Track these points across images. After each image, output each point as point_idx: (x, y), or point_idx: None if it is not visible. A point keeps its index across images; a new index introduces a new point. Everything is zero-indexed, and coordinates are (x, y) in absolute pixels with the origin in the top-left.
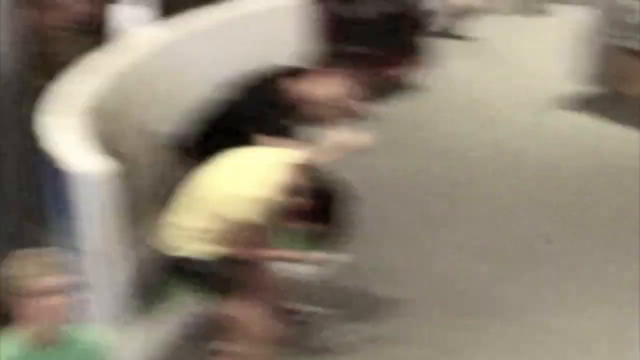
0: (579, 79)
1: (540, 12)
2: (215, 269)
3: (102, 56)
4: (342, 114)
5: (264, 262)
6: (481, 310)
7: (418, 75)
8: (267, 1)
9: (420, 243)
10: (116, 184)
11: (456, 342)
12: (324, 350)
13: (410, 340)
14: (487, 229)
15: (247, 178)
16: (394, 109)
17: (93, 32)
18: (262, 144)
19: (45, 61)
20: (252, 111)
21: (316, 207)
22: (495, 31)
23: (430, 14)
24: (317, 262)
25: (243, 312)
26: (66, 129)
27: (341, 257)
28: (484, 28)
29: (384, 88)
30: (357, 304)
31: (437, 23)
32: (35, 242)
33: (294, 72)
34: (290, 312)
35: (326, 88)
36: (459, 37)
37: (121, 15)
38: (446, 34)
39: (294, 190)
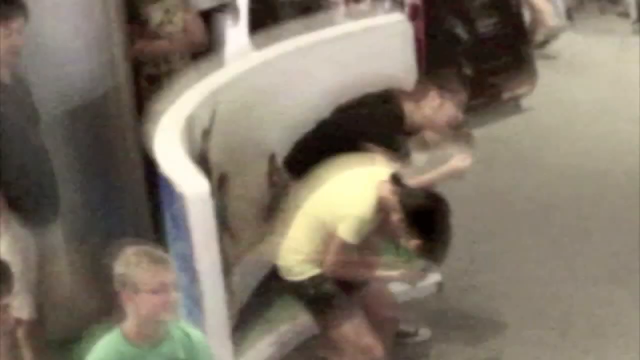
0: None
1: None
2: (326, 291)
3: (216, 75)
4: (450, 139)
5: (367, 282)
6: (581, 331)
7: (527, 93)
8: (375, 19)
9: (518, 262)
10: (221, 205)
11: None
12: None
13: None
14: (587, 248)
15: (350, 197)
16: (503, 126)
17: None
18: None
19: (155, 82)
20: (369, 131)
21: (414, 222)
22: (604, 52)
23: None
24: (415, 279)
25: (348, 332)
26: (180, 151)
27: (436, 276)
28: (595, 48)
29: (500, 108)
30: (455, 324)
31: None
32: None
33: (410, 94)
34: (394, 332)
35: (444, 112)
36: (553, 56)
37: (237, 37)
38: (542, 52)
39: (390, 206)
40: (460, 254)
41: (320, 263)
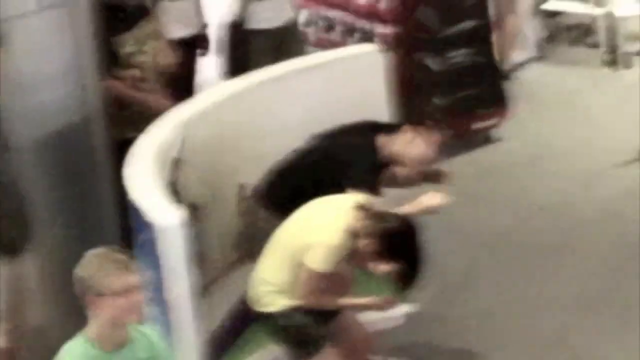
0: None
1: (627, 65)
2: (297, 321)
3: (187, 107)
4: (426, 176)
5: (344, 312)
6: None
7: (497, 124)
8: (345, 49)
9: (489, 293)
10: (198, 236)
11: None
12: None
13: None
14: (558, 278)
15: (318, 225)
16: (473, 158)
17: (180, 83)
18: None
19: (132, 114)
20: (344, 164)
21: (384, 247)
22: (575, 83)
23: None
24: (386, 306)
25: None
26: (150, 180)
27: (405, 307)
28: (566, 79)
29: (470, 139)
30: (424, 355)
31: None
32: None
33: (387, 128)
34: None
35: (416, 149)
36: (523, 86)
37: (207, 67)
38: (512, 82)
39: (363, 234)
40: (430, 285)
41: (293, 295)
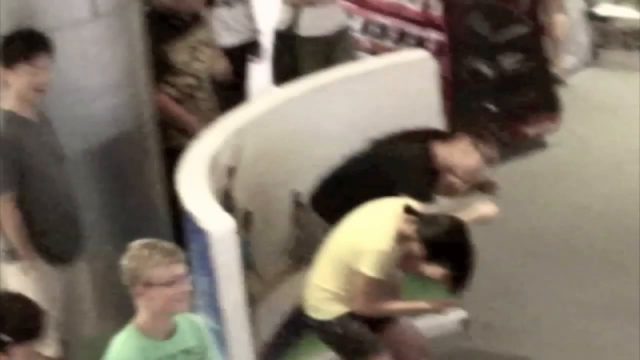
0: None
1: None
2: (351, 328)
3: (240, 114)
4: (477, 186)
5: (398, 319)
6: None
7: (551, 130)
8: (397, 56)
9: (542, 299)
10: (251, 244)
11: None
12: None
13: None
14: (612, 285)
15: (368, 230)
16: (527, 163)
17: (233, 90)
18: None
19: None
20: (397, 171)
21: (435, 249)
22: (626, 89)
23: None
24: (444, 308)
25: None
26: (203, 187)
27: (460, 313)
28: (618, 85)
29: (522, 145)
30: None
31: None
32: None
33: (443, 136)
34: None
35: (468, 160)
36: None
37: (260, 74)
38: (567, 88)
39: (409, 236)
40: (484, 291)
41: (347, 302)
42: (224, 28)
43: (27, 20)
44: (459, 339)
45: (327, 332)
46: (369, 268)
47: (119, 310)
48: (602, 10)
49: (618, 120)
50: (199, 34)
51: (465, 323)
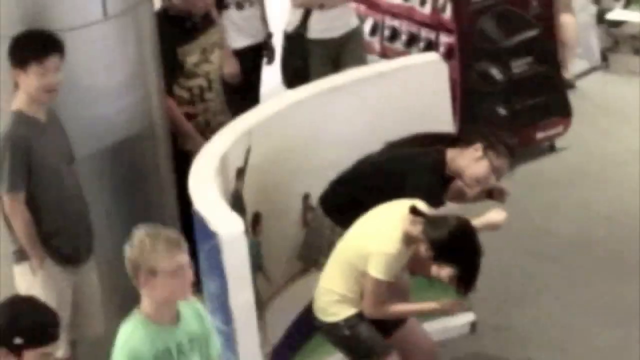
0: None
1: None
2: (361, 331)
3: (252, 116)
4: (488, 193)
5: (408, 321)
6: None
7: (561, 133)
8: (408, 59)
9: (552, 303)
10: (255, 244)
11: None
12: None
13: None
14: (621, 289)
15: (376, 233)
16: (537, 167)
17: (244, 92)
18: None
19: (196, 125)
20: (409, 175)
21: (442, 250)
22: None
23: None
24: (454, 309)
25: None
26: (214, 189)
27: (469, 315)
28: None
29: (533, 149)
30: None
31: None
32: None
33: (458, 142)
34: None
35: (478, 169)
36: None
37: (272, 76)
38: (577, 92)
39: (416, 238)
40: (493, 294)
41: (356, 304)
42: (235, 30)
43: (39, 21)
44: (467, 341)
45: (335, 334)
46: (377, 271)
47: (127, 310)
48: (613, 14)
49: (627, 124)
50: (211, 36)
51: (473, 326)
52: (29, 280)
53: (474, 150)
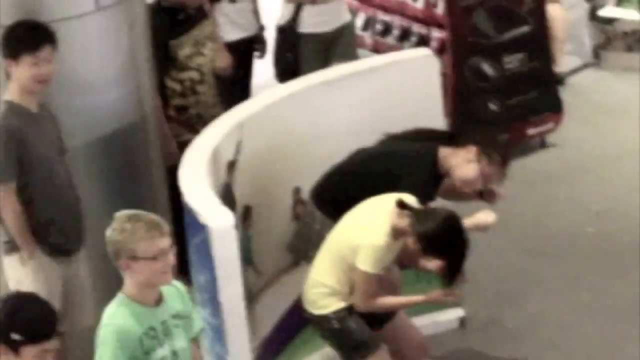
0: None
1: None
2: (350, 324)
3: (243, 109)
4: (480, 194)
5: (397, 315)
6: None
7: (552, 130)
8: (400, 54)
9: (542, 298)
10: (245, 237)
11: None
12: None
13: None
14: (612, 285)
15: (365, 226)
16: (528, 163)
17: (236, 85)
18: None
19: (189, 117)
20: (401, 170)
21: (429, 242)
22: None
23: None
24: (446, 299)
25: None
26: (205, 182)
27: (458, 311)
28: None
29: (525, 145)
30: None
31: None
32: None
33: (454, 141)
34: None
35: (467, 171)
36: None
37: (264, 69)
38: (568, 88)
39: (403, 231)
40: (484, 290)
41: (346, 297)
42: (228, 23)
43: (31, 12)
44: (457, 337)
45: (325, 327)
46: (365, 264)
47: None
48: (605, 11)
49: (619, 120)
50: (205, 29)
51: (462, 321)
52: (19, 271)
53: (467, 152)
